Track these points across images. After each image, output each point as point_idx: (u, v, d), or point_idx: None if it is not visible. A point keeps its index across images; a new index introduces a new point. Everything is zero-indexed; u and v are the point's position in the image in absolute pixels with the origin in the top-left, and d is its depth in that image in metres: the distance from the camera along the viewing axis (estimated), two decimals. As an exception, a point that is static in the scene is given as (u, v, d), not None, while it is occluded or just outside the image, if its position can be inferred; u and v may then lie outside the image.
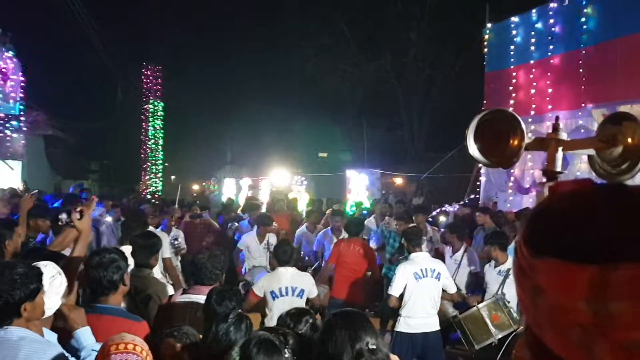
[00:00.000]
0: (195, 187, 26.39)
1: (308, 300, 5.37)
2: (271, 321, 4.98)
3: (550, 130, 2.17)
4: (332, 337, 2.34)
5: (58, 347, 2.51)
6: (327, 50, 24.60)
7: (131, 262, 4.00)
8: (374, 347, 2.36)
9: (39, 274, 2.49)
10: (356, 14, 24.03)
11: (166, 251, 7.26)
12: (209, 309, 3.32)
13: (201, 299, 3.70)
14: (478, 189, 14.62)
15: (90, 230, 4.63)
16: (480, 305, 5.86)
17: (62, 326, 2.81)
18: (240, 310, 3.15)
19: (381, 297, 9.66)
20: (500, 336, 5.76)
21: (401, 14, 23.57)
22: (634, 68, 9.85)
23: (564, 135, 2.10)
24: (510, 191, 13.05)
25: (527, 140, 2.08)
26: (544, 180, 2.13)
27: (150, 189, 26.07)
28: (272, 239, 8.23)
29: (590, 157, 2.11)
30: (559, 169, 2.08)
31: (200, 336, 3.15)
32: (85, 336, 2.71)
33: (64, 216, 3.48)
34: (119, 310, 3.16)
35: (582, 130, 10.74)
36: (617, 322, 0.62)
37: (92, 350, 2.69)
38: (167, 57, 27.73)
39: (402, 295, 5.69)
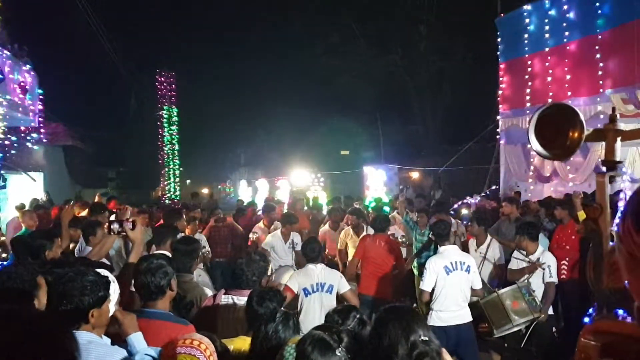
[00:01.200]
0: (205, 190, 26.43)
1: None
2: (305, 319, 5.03)
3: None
4: (386, 331, 2.38)
5: (123, 351, 2.58)
6: (337, 48, 24.62)
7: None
8: (426, 338, 2.40)
9: (107, 282, 2.56)
10: (364, 11, 24.02)
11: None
12: (251, 310, 3.38)
13: (241, 300, 3.76)
14: (497, 180, 14.57)
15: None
16: (500, 292, 5.86)
17: (113, 331, 2.87)
18: (285, 310, 3.20)
19: (410, 292, 9.73)
20: (520, 322, 5.77)
21: (410, 8, 23.52)
22: (652, 50, 9.78)
23: (621, 126, 2.13)
24: (530, 180, 13.01)
25: (586, 132, 2.11)
26: (604, 169, 2.16)
27: (169, 195, 26.29)
28: (296, 238, 8.26)
29: None
30: (618, 158, 2.11)
31: (245, 337, 3.20)
32: (138, 341, 2.77)
33: (115, 226, 3.57)
34: (167, 314, 3.22)
35: (602, 116, 10.67)
36: None
37: (146, 354, 2.74)
38: (180, 63, 27.94)
39: (433, 289, 5.72)
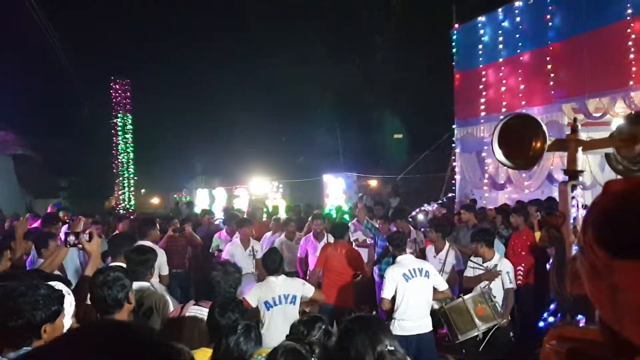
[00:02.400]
0: (155, 200, 25.84)
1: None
2: (267, 332, 4.97)
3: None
4: (353, 341, 2.36)
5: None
6: (296, 57, 24.69)
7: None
8: (392, 348, 2.40)
9: (61, 296, 2.46)
10: (324, 20, 24.17)
11: (164, 268, 7.05)
12: (212, 321, 3.32)
13: None
14: (453, 187, 14.82)
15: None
16: (465, 297, 5.97)
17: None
18: (247, 322, 3.16)
19: (370, 299, 9.76)
20: (483, 328, 5.88)
21: (367, 19, 23.79)
22: (600, 62, 10.14)
23: (583, 136, 2.19)
24: (485, 188, 13.27)
25: (548, 142, 2.16)
26: (566, 179, 2.21)
27: (123, 204, 25.73)
28: (256, 245, 8.21)
29: (607, 154, 2.20)
30: (580, 168, 2.17)
31: (207, 349, 3.14)
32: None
33: (71, 238, 3.46)
34: (125, 327, 3.12)
35: (554, 125, 10.99)
36: None
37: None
38: (135, 70, 27.42)
39: (394, 299, 5.74)
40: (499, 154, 2.24)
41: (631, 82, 9.58)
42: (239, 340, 2.86)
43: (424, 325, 5.74)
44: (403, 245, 6.18)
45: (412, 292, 5.68)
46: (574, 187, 2.22)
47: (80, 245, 3.40)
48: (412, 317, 5.68)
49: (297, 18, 24.20)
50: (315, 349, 2.42)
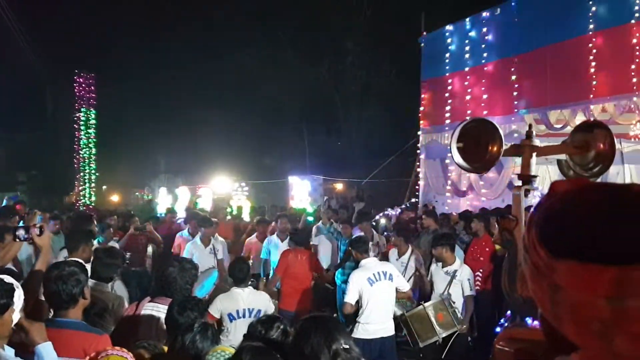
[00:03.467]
0: (115, 197, 25.31)
1: None
2: (230, 343, 4.91)
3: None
4: (308, 340, 2.35)
5: (21, 363, 2.41)
6: (265, 57, 24.62)
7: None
8: (348, 346, 2.40)
9: (10, 289, 2.38)
10: (294, 22, 24.19)
11: None
12: (171, 319, 3.27)
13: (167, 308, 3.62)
14: (417, 193, 14.98)
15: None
16: (426, 304, 6.01)
17: (19, 341, 2.69)
18: (204, 320, 3.12)
19: (330, 302, 9.75)
20: (444, 335, 5.93)
21: (338, 23, 23.90)
22: (562, 75, 10.41)
23: (537, 142, 2.24)
24: (448, 194, 13.45)
25: (504, 147, 2.20)
26: (520, 183, 2.25)
27: (83, 200, 25.18)
28: (217, 244, 8.12)
29: (559, 161, 2.26)
30: (533, 172, 2.21)
31: (165, 347, 3.10)
32: (47, 351, 2.61)
33: (21, 232, 3.35)
34: (79, 323, 3.05)
35: (516, 135, 11.21)
36: (634, 316, 0.70)
37: (55, 366, 2.60)
38: (101, 65, 26.88)
39: (357, 303, 5.75)
40: (457, 156, 2.28)
41: (591, 96, 9.85)
42: (195, 339, 2.83)
43: (387, 328, 5.76)
44: (365, 247, 6.19)
45: (377, 296, 5.70)
46: (527, 192, 2.27)
47: (30, 240, 3.30)
48: (376, 321, 5.70)
49: (267, 17, 24.17)
50: (279, 348, 2.41)
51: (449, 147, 10.56)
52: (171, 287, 3.81)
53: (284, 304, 6.96)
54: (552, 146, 2.45)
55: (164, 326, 3.36)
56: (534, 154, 2.23)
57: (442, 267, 6.51)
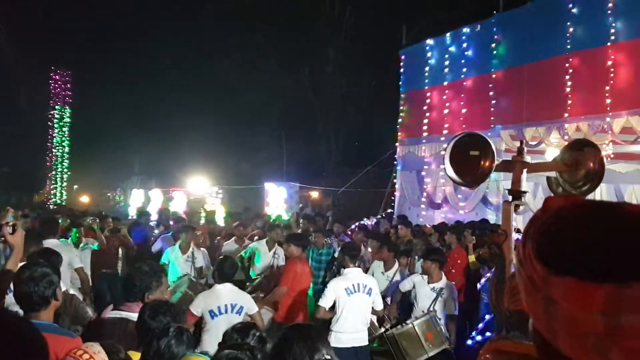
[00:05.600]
0: (85, 199, 24.85)
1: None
2: (210, 343, 4.87)
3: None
4: (291, 350, 2.35)
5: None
6: (246, 62, 24.57)
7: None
8: (329, 357, 2.41)
9: None
10: (275, 28, 24.21)
11: (76, 261, 7.13)
12: (142, 324, 3.21)
13: (131, 316, 3.56)
14: (392, 204, 15.06)
15: None
16: (415, 323, 5.92)
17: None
18: (179, 324, 3.09)
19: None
20: (432, 353, 5.87)
21: (319, 31, 23.99)
22: (538, 93, 10.60)
23: (528, 158, 2.28)
24: (423, 206, 13.55)
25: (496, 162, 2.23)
26: (510, 199, 2.28)
27: (54, 199, 24.73)
28: (196, 251, 8.04)
29: (549, 177, 2.30)
30: (524, 188, 2.25)
31: (134, 352, 3.06)
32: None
33: None
34: (51, 326, 2.97)
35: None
36: (628, 332, 0.72)
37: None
38: (77, 63, 26.49)
39: (332, 309, 5.74)
40: (449, 170, 2.30)
41: (566, 115, 10.03)
42: (170, 343, 2.80)
43: (360, 338, 5.76)
44: (356, 255, 6.20)
45: (352, 307, 5.70)
46: (517, 207, 2.30)
47: (2, 238, 3.21)
48: (349, 330, 5.70)
49: (248, 23, 24.12)
50: (257, 355, 2.39)
51: (425, 161, 10.70)
52: (129, 292, 3.75)
53: (284, 316, 6.50)
54: (542, 163, 2.49)
55: (131, 333, 3.31)
56: (525, 170, 2.27)
57: (428, 283, 6.44)
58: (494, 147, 2.25)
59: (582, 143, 2.16)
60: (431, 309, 6.23)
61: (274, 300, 6.56)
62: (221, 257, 6.13)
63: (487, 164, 2.23)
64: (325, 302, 5.75)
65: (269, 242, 8.44)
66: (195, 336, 4.47)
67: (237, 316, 5.10)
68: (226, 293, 5.17)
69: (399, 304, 6.96)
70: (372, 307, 5.96)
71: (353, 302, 5.71)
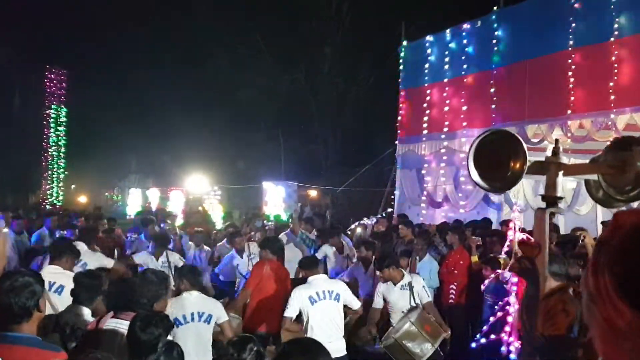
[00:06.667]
0: (83, 198, 24.62)
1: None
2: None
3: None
4: (290, 364, 2.18)
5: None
6: (243, 61, 24.38)
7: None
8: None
9: None
10: (272, 26, 24.02)
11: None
12: (133, 336, 3.03)
13: None
14: (392, 203, 14.87)
15: None
16: (412, 319, 5.75)
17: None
18: (170, 338, 2.91)
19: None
20: (437, 344, 5.74)
21: (316, 29, 23.80)
22: (540, 89, 10.41)
23: (564, 159, 2.03)
24: (423, 205, 13.36)
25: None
26: (544, 205, 2.05)
27: (50, 199, 24.54)
28: (172, 256, 7.69)
29: (587, 181, 2.07)
30: (559, 194, 2.00)
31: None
32: (-4, 370, 2.38)
33: None
34: (34, 339, 2.78)
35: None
36: None
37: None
38: (73, 62, 26.28)
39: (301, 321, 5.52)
40: (474, 174, 2.05)
41: (569, 111, 9.86)
42: (159, 359, 2.62)
43: (336, 349, 5.28)
44: (314, 266, 5.93)
45: (318, 315, 5.47)
46: (552, 216, 2.05)
47: None
48: (322, 341, 5.41)
49: (245, 21, 23.94)
50: None
51: (425, 159, 10.44)
52: (132, 301, 3.57)
53: (252, 322, 6.32)
54: (582, 165, 2.25)
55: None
56: (561, 173, 2.01)
57: (395, 284, 6.26)
58: (525, 146, 2.00)
59: (629, 142, 1.92)
60: (412, 303, 6.09)
61: (240, 306, 6.41)
62: (186, 264, 5.91)
63: (517, 165, 1.97)
64: (288, 313, 5.51)
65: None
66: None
67: (206, 325, 4.85)
68: (193, 301, 4.89)
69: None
70: (350, 308, 5.78)
71: (318, 311, 5.48)
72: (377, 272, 6.66)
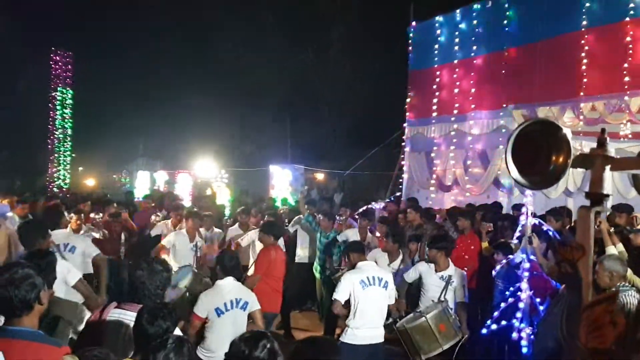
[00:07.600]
0: (91, 181, 24.59)
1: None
2: (217, 342, 4.68)
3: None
4: (305, 363, 2.10)
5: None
6: (250, 41, 24.16)
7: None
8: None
9: None
10: (281, 6, 23.74)
11: (92, 250, 6.83)
12: (140, 329, 2.95)
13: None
14: (400, 186, 14.74)
15: None
16: (428, 316, 5.70)
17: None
18: (180, 333, 2.83)
19: (311, 295, 9.47)
20: (446, 346, 5.67)
21: (325, 9, 23.50)
22: (551, 71, 10.22)
23: (611, 152, 1.84)
24: (432, 188, 13.24)
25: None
26: (588, 203, 1.86)
27: (57, 182, 24.57)
28: (200, 242, 7.78)
29: (635, 175, 1.90)
30: (606, 191, 1.81)
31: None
32: (-4, 365, 2.32)
33: None
34: (35, 333, 2.71)
35: (504, 130, 11.03)
36: None
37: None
38: (79, 43, 26.11)
39: (348, 304, 5.47)
40: (512, 169, 1.83)
41: (581, 93, 9.69)
42: (169, 356, 2.54)
43: (377, 335, 5.47)
44: (362, 251, 5.93)
45: (367, 301, 5.43)
46: (597, 214, 1.81)
47: None
48: (367, 325, 5.41)
49: (254, 2, 23.69)
50: None
51: (435, 142, 10.29)
52: (139, 293, 3.48)
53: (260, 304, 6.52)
54: (630, 159, 2.04)
55: (132, 336, 3.05)
56: (608, 167, 1.80)
57: (436, 272, 6.22)
58: (569, 138, 1.80)
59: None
60: (442, 298, 6.02)
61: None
62: (220, 252, 5.87)
63: (560, 159, 1.77)
64: (340, 296, 5.47)
65: None
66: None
67: (242, 312, 4.88)
68: (229, 288, 4.92)
69: (406, 295, 6.65)
70: None
71: (368, 296, 5.44)
72: (426, 249, 6.71)
